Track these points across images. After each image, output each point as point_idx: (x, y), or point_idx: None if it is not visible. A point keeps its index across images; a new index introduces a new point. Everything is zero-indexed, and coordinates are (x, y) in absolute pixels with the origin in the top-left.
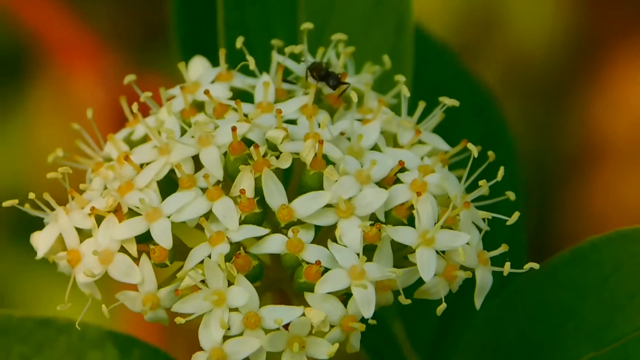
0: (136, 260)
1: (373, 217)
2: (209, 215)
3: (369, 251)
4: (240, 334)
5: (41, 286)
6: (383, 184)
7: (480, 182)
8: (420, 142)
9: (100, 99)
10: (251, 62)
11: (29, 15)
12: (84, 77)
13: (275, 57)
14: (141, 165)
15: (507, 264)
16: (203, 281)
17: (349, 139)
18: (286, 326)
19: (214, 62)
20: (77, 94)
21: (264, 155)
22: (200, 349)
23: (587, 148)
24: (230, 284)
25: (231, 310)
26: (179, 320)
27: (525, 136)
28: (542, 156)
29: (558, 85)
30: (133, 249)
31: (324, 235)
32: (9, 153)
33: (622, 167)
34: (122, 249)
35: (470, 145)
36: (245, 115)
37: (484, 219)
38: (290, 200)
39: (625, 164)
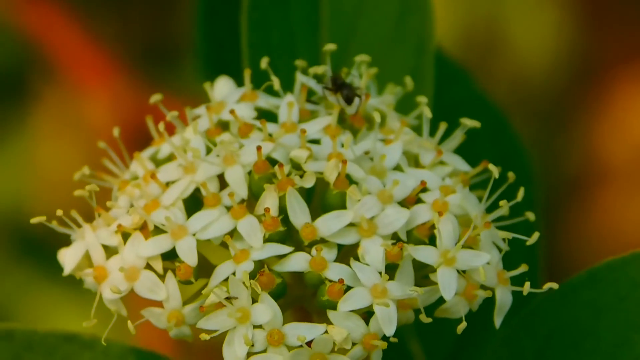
0: (161, 277)
1: (395, 236)
2: (233, 233)
3: (390, 270)
4: (264, 351)
5: (46, 305)
6: (405, 203)
7: (501, 203)
8: (441, 162)
9: (107, 118)
10: (275, 83)
11: (37, 32)
12: (92, 95)
13: (299, 78)
14: (167, 184)
15: (527, 284)
16: (228, 298)
17: (371, 159)
18: (309, 343)
19: (238, 81)
20: (84, 112)
21: (288, 175)
22: None
23: (589, 170)
24: (254, 301)
25: (255, 327)
26: (204, 336)
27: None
28: (542, 179)
29: (559, 107)
30: (159, 266)
31: (347, 253)
32: (13, 171)
33: (624, 190)
34: (148, 266)
35: (491, 166)
36: (270, 135)
37: (503, 239)
38: (313, 219)
39: (627, 187)
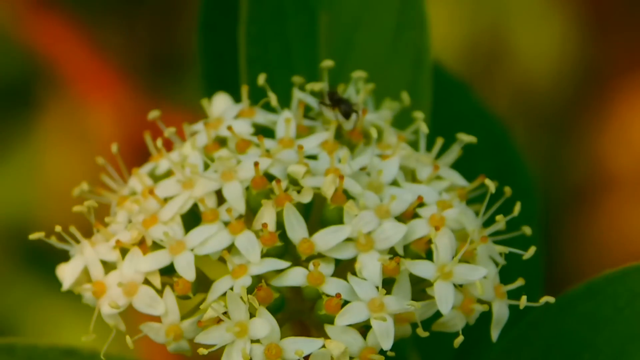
0: (160, 292)
1: (392, 251)
2: (231, 248)
3: (388, 284)
4: None
5: (50, 317)
6: (402, 218)
7: (497, 217)
8: (438, 177)
9: (112, 130)
10: (273, 99)
11: (42, 43)
12: (97, 106)
13: (297, 94)
14: (165, 199)
15: (524, 298)
16: (225, 313)
17: (368, 174)
18: (307, 357)
19: (236, 95)
20: (89, 123)
21: (286, 190)
22: None
23: (592, 179)
24: (252, 315)
25: (253, 341)
26: (202, 351)
27: (530, 168)
28: (546, 187)
29: (564, 116)
30: (157, 281)
31: (344, 268)
32: (19, 182)
33: (629, 198)
34: (147, 281)
35: (487, 181)
36: (267, 151)
37: (500, 253)
38: (311, 234)
39: (632, 195)
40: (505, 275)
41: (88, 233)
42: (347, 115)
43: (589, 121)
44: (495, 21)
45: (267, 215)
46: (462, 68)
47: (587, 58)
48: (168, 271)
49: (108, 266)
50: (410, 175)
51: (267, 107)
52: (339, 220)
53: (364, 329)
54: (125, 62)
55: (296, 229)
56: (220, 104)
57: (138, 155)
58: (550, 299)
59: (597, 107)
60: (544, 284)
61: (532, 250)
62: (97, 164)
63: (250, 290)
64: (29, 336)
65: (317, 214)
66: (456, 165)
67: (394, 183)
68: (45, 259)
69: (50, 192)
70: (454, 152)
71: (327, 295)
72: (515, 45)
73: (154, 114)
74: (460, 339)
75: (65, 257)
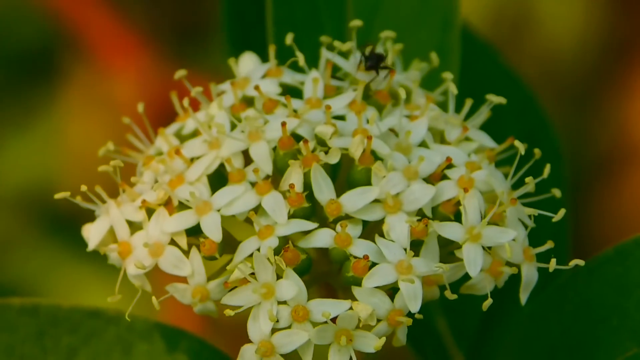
0: (186, 253)
1: (420, 213)
2: (258, 209)
3: (416, 246)
4: (289, 327)
5: (74, 282)
6: (430, 180)
7: (527, 179)
8: (467, 139)
9: (136, 97)
10: (300, 59)
11: (66, 10)
12: (120, 73)
13: (324, 54)
14: (191, 159)
15: (553, 260)
16: (252, 274)
17: (397, 135)
18: (334, 319)
19: (263, 57)
20: (112, 90)
21: (313, 151)
22: (248, 341)
23: (618, 149)
24: (278, 277)
25: (279, 303)
26: (228, 312)
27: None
28: (572, 157)
29: (589, 86)
30: (183, 241)
31: (372, 230)
32: (42, 149)
33: None
34: (172, 242)
35: (517, 143)
36: (295, 111)
37: (529, 216)
38: (338, 195)
39: None
40: (534, 238)
41: (112, 196)
42: (371, 67)
43: (614, 91)
44: None
45: (294, 176)
46: (487, 35)
47: (612, 26)
48: (194, 232)
49: (134, 226)
50: (439, 137)
51: (295, 67)
52: (367, 182)
53: (391, 291)
54: (149, 28)
55: (323, 190)
56: (247, 63)
57: (160, 119)
58: (580, 262)
59: (621, 77)
60: (572, 250)
61: (561, 212)
62: (120, 130)
63: (277, 252)
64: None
65: (344, 175)
66: (484, 128)
67: (423, 144)
68: (69, 225)
69: (74, 158)
70: (483, 114)
71: (355, 257)
72: (541, 14)
73: (180, 73)
74: (489, 301)
75: (88, 221)
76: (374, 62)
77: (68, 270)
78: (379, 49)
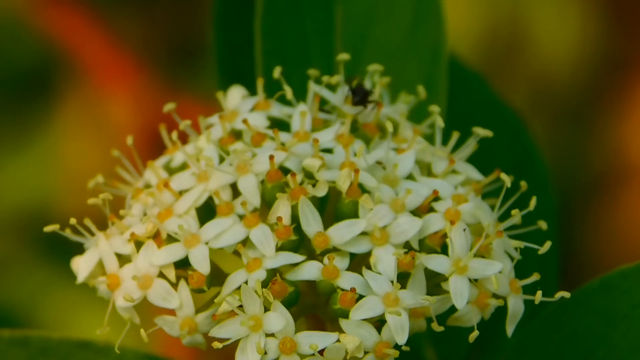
0: (174, 285)
1: (407, 245)
2: (246, 241)
3: (402, 278)
4: (277, 359)
5: (69, 306)
6: (417, 212)
7: (513, 212)
8: (454, 171)
9: (130, 119)
10: (288, 92)
11: (61, 32)
12: (115, 95)
13: (312, 87)
14: (180, 192)
15: (539, 293)
16: (240, 306)
17: (384, 167)
18: (322, 352)
19: (252, 88)
20: (107, 112)
21: (301, 183)
22: None
23: (612, 169)
24: (266, 309)
25: (267, 335)
26: (216, 345)
27: (549, 158)
28: (566, 178)
29: (583, 106)
30: (171, 274)
31: (359, 262)
32: (37, 169)
33: None
34: (161, 275)
35: (503, 176)
36: (283, 144)
37: (516, 248)
38: (326, 227)
39: None
40: (521, 270)
41: (105, 224)
42: (359, 102)
43: (609, 111)
44: (514, 11)
45: (282, 209)
46: (481, 58)
47: (606, 48)
48: (183, 264)
49: (123, 259)
50: (426, 169)
51: (283, 100)
52: (354, 214)
53: (378, 323)
54: (144, 50)
55: (311, 223)
56: (235, 96)
57: (156, 144)
58: (566, 294)
59: (616, 97)
60: (564, 275)
61: (547, 245)
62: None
63: (265, 284)
64: (45, 327)
65: (332, 208)
66: (473, 159)
67: (410, 177)
68: (64, 248)
69: (68, 180)
70: (470, 146)
71: (342, 290)
72: (535, 35)
73: (169, 107)
74: (475, 333)
75: (82, 247)
76: (360, 97)
77: (63, 292)
78: (367, 82)
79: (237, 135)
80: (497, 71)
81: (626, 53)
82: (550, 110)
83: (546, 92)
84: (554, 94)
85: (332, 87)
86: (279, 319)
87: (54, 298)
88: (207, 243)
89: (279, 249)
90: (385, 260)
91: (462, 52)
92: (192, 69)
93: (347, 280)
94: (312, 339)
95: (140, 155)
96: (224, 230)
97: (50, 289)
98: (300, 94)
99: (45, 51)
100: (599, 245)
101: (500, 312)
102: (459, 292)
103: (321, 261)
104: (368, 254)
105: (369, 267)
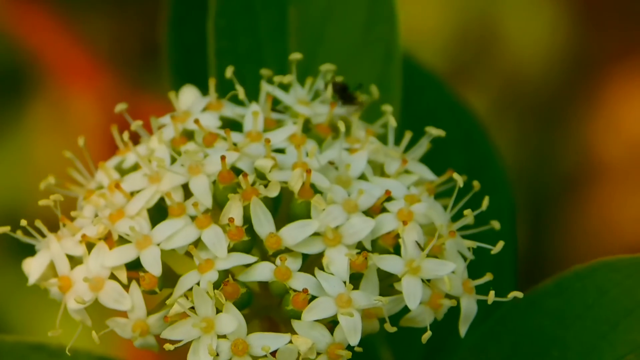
0: (126, 287)
1: (360, 246)
2: (198, 242)
3: (355, 279)
4: None
5: (36, 309)
6: (370, 212)
7: (465, 212)
8: (407, 171)
9: (97, 119)
10: (240, 92)
11: (27, 34)
12: (82, 97)
13: (265, 87)
14: (132, 193)
15: (492, 293)
16: (192, 308)
17: (336, 168)
18: (274, 353)
19: (206, 88)
20: (75, 113)
21: (253, 184)
22: None
23: (583, 169)
24: (218, 311)
25: (219, 337)
26: (168, 346)
27: (520, 157)
28: (537, 177)
29: (554, 105)
30: (123, 276)
31: (312, 263)
32: (6, 171)
33: (619, 186)
34: (113, 276)
35: (455, 175)
36: (235, 144)
37: (469, 248)
38: (278, 228)
39: (621, 185)
40: (477, 270)
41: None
42: (351, 100)
43: (580, 109)
44: (485, 9)
45: (234, 210)
46: (452, 58)
47: (578, 46)
48: (134, 266)
49: (74, 261)
50: (379, 170)
51: (236, 100)
52: (307, 215)
53: (331, 324)
54: (113, 50)
55: (263, 224)
56: (187, 97)
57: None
58: (519, 294)
59: (587, 96)
60: (531, 275)
61: (500, 244)
62: (82, 152)
63: (217, 285)
64: (10, 330)
65: (284, 209)
66: (429, 159)
67: (362, 177)
68: (31, 253)
69: (38, 180)
70: (423, 146)
71: (294, 291)
72: (506, 34)
73: (120, 107)
74: (428, 334)
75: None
76: (348, 96)
77: (29, 297)
78: (319, 84)
79: (189, 135)
80: (468, 71)
81: (596, 52)
82: (521, 109)
83: (517, 91)
84: (524, 93)
85: (285, 87)
86: (231, 320)
87: (19, 302)
88: (158, 244)
89: (231, 250)
90: (338, 261)
91: (433, 52)
92: (159, 69)
93: (299, 282)
94: (265, 341)
95: (105, 156)
96: (176, 232)
97: (15, 294)
98: (254, 94)
99: (14, 51)
100: (569, 243)
101: (457, 312)
102: (411, 292)
103: (273, 262)
104: (321, 255)
105: (321, 268)
